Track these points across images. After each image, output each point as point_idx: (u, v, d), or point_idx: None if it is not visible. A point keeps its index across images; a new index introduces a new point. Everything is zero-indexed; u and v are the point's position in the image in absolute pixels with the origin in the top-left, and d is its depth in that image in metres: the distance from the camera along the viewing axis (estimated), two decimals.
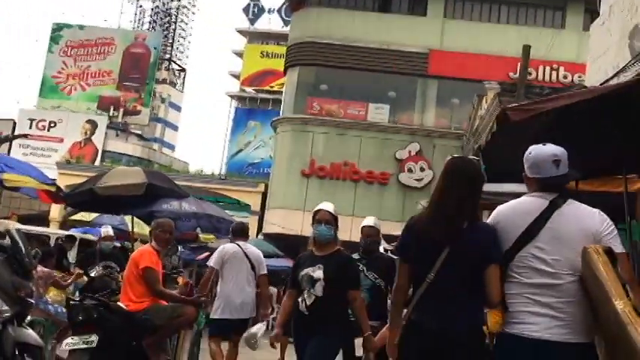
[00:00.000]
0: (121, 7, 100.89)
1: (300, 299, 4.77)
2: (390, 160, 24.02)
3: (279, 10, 52.86)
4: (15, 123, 39.09)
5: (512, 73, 21.66)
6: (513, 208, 2.99)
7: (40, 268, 7.54)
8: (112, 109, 45.28)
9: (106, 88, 45.68)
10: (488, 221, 3.06)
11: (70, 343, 5.02)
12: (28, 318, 5.58)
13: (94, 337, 4.98)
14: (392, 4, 26.01)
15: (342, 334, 4.83)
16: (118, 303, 5.36)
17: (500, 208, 3.03)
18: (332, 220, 4.89)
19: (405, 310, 3.13)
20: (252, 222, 25.83)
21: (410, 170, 23.85)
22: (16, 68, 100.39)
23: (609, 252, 2.68)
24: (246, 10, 54.80)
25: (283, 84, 29.51)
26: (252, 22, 54.54)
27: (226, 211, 13.52)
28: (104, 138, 43.13)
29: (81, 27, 46.88)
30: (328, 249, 4.86)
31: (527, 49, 12.27)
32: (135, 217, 9.25)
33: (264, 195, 25.87)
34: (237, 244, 6.93)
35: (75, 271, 9.03)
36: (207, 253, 17.39)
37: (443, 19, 25.13)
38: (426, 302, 3.02)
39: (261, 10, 54.68)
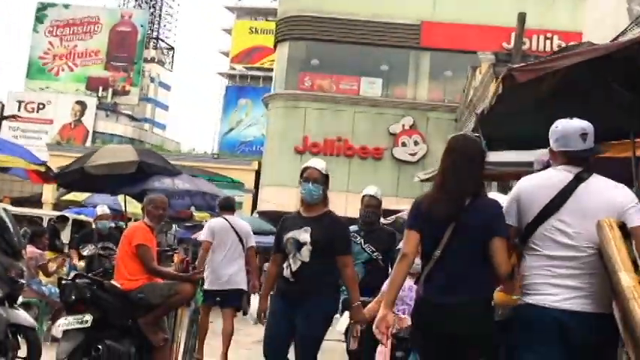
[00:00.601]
0: None
1: (285, 265, 4.38)
2: (383, 134, 23.86)
3: None
4: (3, 105, 38.77)
5: (505, 43, 21.40)
6: (537, 180, 2.99)
7: (31, 248, 7.55)
8: (100, 89, 45.09)
9: (94, 68, 45.50)
10: (511, 193, 3.06)
11: (64, 323, 4.87)
12: (21, 299, 5.47)
13: (88, 317, 4.83)
14: None
15: (332, 303, 4.50)
16: (112, 282, 5.22)
17: (523, 180, 3.02)
18: (321, 178, 4.42)
19: (415, 287, 3.27)
20: (246, 200, 25.73)
21: (404, 144, 23.70)
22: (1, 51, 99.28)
23: (623, 226, 2.70)
24: None
25: (274, 60, 29.19)
26: None
27: (222, 190, 13.44)
28: (94, 119, 43.06)
29: (66, 6, 46.45)
30: (316, 210, 4.42)
31: (522, 16, 12.00)
32: (127, 197, 9.14)
33: (258, 173, 25.72)
34: (225, 218, 6.95)
35: (72, 253, 8.97)
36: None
37: None
38: (434, 279, 3.11)
39: None
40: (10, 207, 18.07)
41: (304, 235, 4.33)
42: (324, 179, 4.44)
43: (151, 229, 5.37)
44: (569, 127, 2.93)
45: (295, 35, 25.13)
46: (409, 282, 3.83)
